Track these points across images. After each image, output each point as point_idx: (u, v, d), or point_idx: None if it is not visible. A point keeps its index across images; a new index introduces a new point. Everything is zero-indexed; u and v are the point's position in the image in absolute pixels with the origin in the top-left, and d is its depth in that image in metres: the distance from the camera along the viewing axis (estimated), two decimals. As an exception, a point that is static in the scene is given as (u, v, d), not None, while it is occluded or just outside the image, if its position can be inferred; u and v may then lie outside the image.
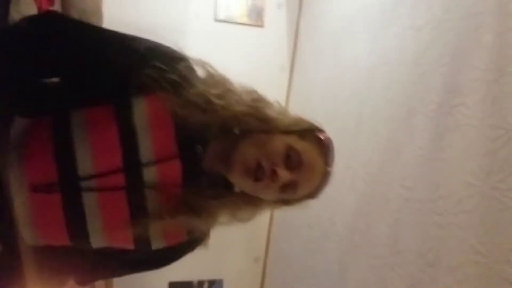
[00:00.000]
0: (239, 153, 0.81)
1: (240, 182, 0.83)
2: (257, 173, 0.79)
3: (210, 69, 0.87)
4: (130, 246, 0.81)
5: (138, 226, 0.77)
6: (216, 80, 0.85)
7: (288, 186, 0.82)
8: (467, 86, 1.39)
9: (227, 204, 0.84)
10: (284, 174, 0.80)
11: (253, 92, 0.88)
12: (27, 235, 0.78)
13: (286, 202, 0.89)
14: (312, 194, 0.87)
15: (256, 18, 3.21)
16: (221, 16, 3.16)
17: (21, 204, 0.76)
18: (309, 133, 0.88)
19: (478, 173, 1.29)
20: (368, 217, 1.85)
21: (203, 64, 0.88)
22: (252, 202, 0.86)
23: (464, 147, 1.36)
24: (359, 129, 2.06)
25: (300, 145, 0.83)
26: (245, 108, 0.83)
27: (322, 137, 0.88)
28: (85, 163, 0.74)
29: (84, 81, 0.77)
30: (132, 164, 0.75)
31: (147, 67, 0.76)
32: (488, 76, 1.31)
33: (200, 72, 0.86)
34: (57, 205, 0.75)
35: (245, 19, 3.19)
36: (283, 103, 3.41)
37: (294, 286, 2.53)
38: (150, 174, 0.76)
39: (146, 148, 0.75)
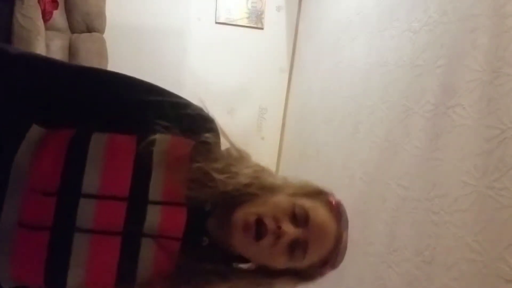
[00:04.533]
0: (240, 213, 0.74)
1: (242, 244, 0.74)
2: (258, 230, 0.71)
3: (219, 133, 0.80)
4: None
5: (124, 277, 0.70)
6: (220, 153, 0.79)
7: (297, 247, 0.73)
8: (463, 87, 1.41)
9: (230, 279, 0.75)
10: (290, 230, 0.72)
11: (255, 164, 0.81)
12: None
13: (300, 274, 0.79)
14: (328, 261, 0.78)
15: (256, 20, 3.23)
16: (222, 18, 3.18)
17: (5, 233, 0.69)
18: (318, 195, 0.80)
19: (473, 173, 1.30)
20: (365, 215, 1.86)
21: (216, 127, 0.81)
22: (261, 282, 0.76)
23: (460, 147, 1.38)
24: (356, 129, 2.07)
25: (307, 203, 0.76)
26: (246, 180, 0.76)
27: (331, 199, 0.80)
28: (91, 180, 0.70)
29: (111, 113, 0.75)
30: (138, 195, 0.71)
31: (188, 114, 0.75)
32: (484, 77, 1.32)
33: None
34: (42, 242, 0.69)
35: (245, 22, 3.21)
36: (282, 104, 3.45)
37: (293, 284, 2.53)
38: (153, 214, 0.71)
39: (157, 186, 0.71)
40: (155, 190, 0.72)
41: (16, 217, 0.70)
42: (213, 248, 0.75)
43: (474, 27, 1.40)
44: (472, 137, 1.33)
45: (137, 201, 0.71)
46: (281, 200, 0.76)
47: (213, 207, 0.75)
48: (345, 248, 0.81)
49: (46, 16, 2.35)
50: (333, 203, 0.80)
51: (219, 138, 0.80)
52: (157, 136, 0.73)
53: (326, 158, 2.36)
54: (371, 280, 1.75)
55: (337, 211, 0.79)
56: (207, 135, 0.76)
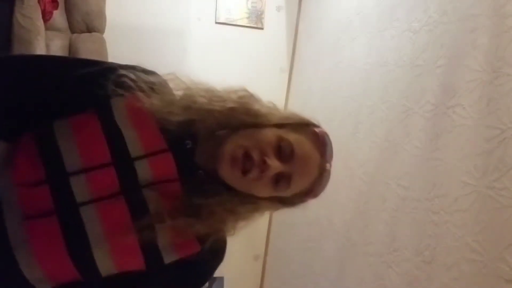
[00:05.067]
0: (227, 144, 0.77)
1: (229, 177, 0.77)
2: (245, 164, 0.74)
3: (185, 78, 0.83)
4: (141, 263, 0.74)
5: (143, 229, 0.72)
6: (195, 83, 0.82)
7: (281, 179, 0.77)
8: (462, 87, 1.41)
9: (225, 203, 0.77)
10: (274, 164, 0.75)
11: (241, 90, 0.85)
12: (30, 273, 0.72)
13: (284, 201, 0.83)
14: (311, 191, 0.82)
15: (256, 20, 3.23)
16: (222, 18, 3.18)
17: (16, 234, 0.71)
18: (303, 126, 0.83)
19: (473, 173, 1.31)
20: (365, 215, 1.86)
21: (177, 75, 0.83)
22: (249, 201, 0.80)
23: (460, 147, 1.38)
24: (357, 129, 2.07)
25: (293, 137, 0.79)
26: (231, 104, 0.80)
27: (317, 130, 0.83)
28: (71, 158, 0.72)
29: (61, 98, 0.76)
30: (122, 158, 0.73)
31: (122, 74, 0.77)
32: (484, 77, 1.32)
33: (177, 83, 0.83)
34: (54, 227, 0.71)
35: (245, 22, 3.21)
36: (282, 104, 3.46)
37: (293, 283, 2.54)
38: (142, 168, 0.74)
39: (133, 143, 0.74)
40: (134, 147, 0.74)
41: (20, 213, 0.71)
42: (209, 176, 0.78)
43: (474, 27, 1.40)
44: (472, 137, 1.33)
45: (122, 162, 0.73)
46: (267, 133, 0.78)
47: (193, 143, 0.78)
48: (328, 178, 0.83)
49: (46, 16, 2.35)
50: (318, 134, 0.82)
51: (167, 85, 0.81)
52: (111, 101, 0.75)
53: (326, 158, 2.35)
54: (371, 280, 1.75)
55: (321, 143, 0.82)
56: (150, 79, 0.79)
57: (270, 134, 0.78)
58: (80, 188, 0.72)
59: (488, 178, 1.25)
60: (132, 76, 0.78)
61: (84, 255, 0.72)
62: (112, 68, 0.78)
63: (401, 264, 1.58)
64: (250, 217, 0.82)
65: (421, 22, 1.70)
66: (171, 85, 0.82)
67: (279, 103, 3.33)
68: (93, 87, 0.75)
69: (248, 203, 0.80)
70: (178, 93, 0.81)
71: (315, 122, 0.87)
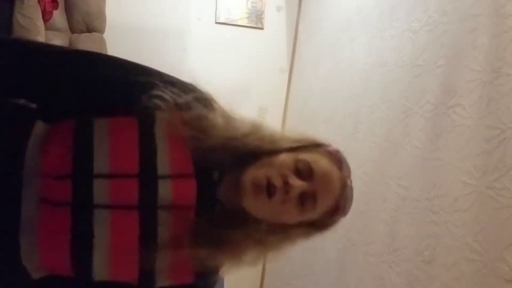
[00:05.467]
0: (249, 174, 0.77)
1: (255, 205, 0.77)
2: (269, 190, 0.74)
3: (214, 100, 0.84)
4: (134, 279, 0.75)
5: (146, 251, 0.73)
6: (219, 108, 0.83)
7: (306, 199, 0.76)
8: (462, 87, 1.41)
9: (252, 233, 0.77)
10: (297, 183, 0.75)
11: (252, 118, 0.84)
12: (28, 260, 0.74)
13: (315, 224, 0.82)
14: (338, 207, 0.81)
15: (256, 20, 3.23)
16: (222, 18, 3.18)
17: (28, 218, 0.72)
18: (316, 147, 0.84)
19: (473, 173, 1.31)
20: (365, 215, 1.86)
21: (209, 95, 0.85)
22: (279, 230, 0.79)
23: (460, 147, 1.38)
24: (356, 129, 2.08)
25: (308, 156, 0.79)
26: (246, 130, 0.80)
27: (329, 149, 0.84)
28: (101, 161, 0.72)
29: (111, 98, 0.77)
30: (148, 172, 0.73)
31: (177, 91, 0.77)
32: (484, 77, 1.33)
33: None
34: (65, 220, 0.72)
35: (245, 22, 3.21)
36: (282, 104, 3.45)
37: (293, 283, 2.54)
38: (165, 188, 0.74)
39: (164, 160, 0.74)
40: (163, 165, 0.74)
41: (37, 198, 0.72)
42: (226, 213, 0.78)
43: (474, 27, 1.40)
44: (472, 137, 1.34)
45: (147, 177, 0.73)
46: (284, 158, 0.79)
47: (221, 175, 0.78)
48: (352, 193, 0.83)
49: (46, 16, 2.35)
50: (332, 152, 0.83)
51: (212, 106, 0.82)
52: (156, 113, 0.75)
53: (326, 158, 2.36)
54: (371, 280, 1.75)
55: (337, 159, 0.82)
56: (196, 94, 0.80)
57: (286, 158, 0.79)
58: (101, 191, 0.72)
59: (488, 178, 1.25)
60: (187, 97, 0.77)
61: (83, 255, 0.72)
62: (171, 83, 0.79)
63: (401, 264, 1.58)
64: (280, 246, 0.81)
65: (421, 22, 1.70)
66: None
67: (279, 103, 3.35)
68: (146, 96, 0.75)
69: (278, 232, 0.79)
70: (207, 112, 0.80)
71: (326, 142, 0.87)
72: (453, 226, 1.36)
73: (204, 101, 0.81)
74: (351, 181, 0.84)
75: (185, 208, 0.76)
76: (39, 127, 0.77)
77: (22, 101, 0.79)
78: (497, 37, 1.30)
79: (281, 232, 0.79)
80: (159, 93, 0.76)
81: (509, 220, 1.17)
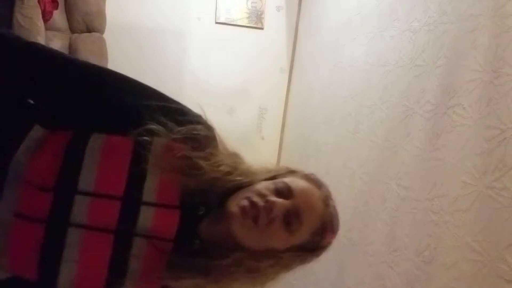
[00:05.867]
0: (231, 203, 0.77)
1: (243, 230, 0.76)
2: (253, 212, 0.74)
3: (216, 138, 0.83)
4: None
5: (113, 278, 0.72)
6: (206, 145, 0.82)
7: (291, 218, 0.76)
8: (462, 87, 1.41)
9: (243, 261, 0.76)
10: (278, 200, 0.75)
11: (232, 152, 0.84)
12: None
13: (304, 247, 0.81)
14: (326, 225, 0.81)
15: (256, 20, 3.23)
16: (222, 18, 3.18)
17: (3, 222, 0.72)
18: (292, 172, 0.85)
19: (473, 173, 1.31)
20: (365, 215, 1.86)
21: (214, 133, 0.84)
22: (268, 255, 0.78)
23: (460, 147, 1.38)
24: (357, 129, 2.08)
25: (286, 179, 0.81)
26: (227, 168, 0.80)
27: (306, 172, 0.85)
28: (88, 177, 0.72)
29: (115, 117, 0.77)
30: (132, 196, 0.73)
31: (185, 120, 0.77)
32: (484, 77, 1.33)
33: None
34: (37, 236, 0.71)
35: (245, 22, 3.21)
36: (282, 104, 3.46)
37: (293, 283, 2.54)
38: (146, 215, 0.73)
39: (151, 187, 0.74)
40: (149, 191, 0.74)
41: (14, 208, 0.72)
42: (204, 250, 0.77)
43: (474, 27, 1.40)
44: (472, 137, 1.34)
45: (131, 201, 0.73)
46: (263, 183, 0.80)
47: (206, 212, 0.77)
48: (336, 211, 0.83)
49: (46, 16, 2.35)
50: (308, 174, 0.84)
51: (216, 142, 0.82)
52: (155, 139, 0.75)
53: (326, 158, 2.36)
54: (371, 280, 1.75)
55: (314, 180, 0.83)
56: (197, 130, 0.78)
57: (265, 183, 0.80)
58: (80, 209, 0.72)
59: (488, 178, 1.25)
60: (192, 129, 0.77)
61: (51, 268, 0.72)
62: (182, 111, 0.79)
63: (401, 264, 1.58)
64: (276, 273, 0.81)
65: (421, 22, 1.70)
66: None
67: (279, 103, 3.36)
68: (149, 119, 0.75)
69: (269, 258, 0.78)
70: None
71: (300, 170, 0.87)
72: (453, 226, 1.36)
73: (207, 138, 0.80)
74: (333, 201, 0.83)
75: (162, 240, 0.75)
76: (36, 131, 0.76)
77: (29, 102, 0.79)
78: (497, 37, 1.30)
79: (273, 258, 0.78)
80: (163, 120, 0.76)
81: (509, 220, 1.17)
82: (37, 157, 0.74)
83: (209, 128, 0.81)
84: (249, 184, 0.80)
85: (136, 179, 0.73)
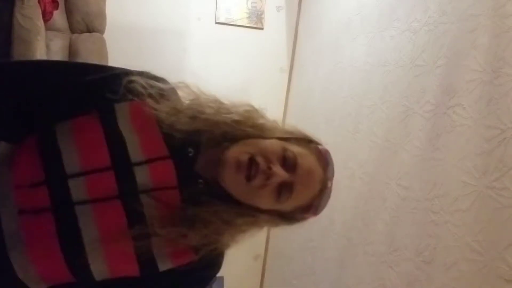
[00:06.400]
0: (231, 150, 0.76)
1: (232, 183, 0.76)
2: (250, 170, 0.74)
3: (194, 87, 0.84)
4: (135, 270, 0.74)
5: (138, 236, 0.72)
6: (204, 93, 0.83)
7: (283, 189, 0.76)
8: (462, 87, 1.41)
9: (221, 214, 0.76)
10: (280, 171, 0.75)
11: (246, 104, 0.84)
12: (24, 274, 0.73)
13: (284, 216, 0.82)
14: (311, 206, 0.81)
15: (256, 20, 3.23)
16: (222, 18, 3.18)
17: (12, 232, 0.72)
18: (307, 142, 0.84)
19: (473, 173, 1.31)
20: (365, 215, 1.86)
21: (187, 84, 0.84)
22: (248, 213, 0.78)
23: (460, 147, 1.38)
24: (356, 129, 2.08)
25: (297, 149, 0.79)
26: (237, 116, 0.80)
27: (320, 148, 0.83)
28: (71, 160, 0.72)
29: (66, 102, 0.77)
30: (121, 162, 0.73)
31: (132, 79, 0.77)
32: (484, 77, 1.33)
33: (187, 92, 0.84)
34: (49, 224, 0.71)
35: (245, 22, 3.21)
36: (282, 104, 3.45)
37: (293, 283, 2.54)
38: (142, 174, 0.74)
39: (135, 149, 0.74)
40: (135, 152, 0.74)
41: (15, 211, 0.72)
42: (209, 187, 0.77)
43: (474, 27, 1.40)
44: (472, 137, 1.34)
45: (122, 167, 0.73)
46: (273, 142, 0.79)
47: (196, 151, 0.78)
48: (329, 196, 0.83)
49: (46, 16, 2.35)
50: (322, 151, 0.83)
51: (176, 92, 0.82)
52: (116, 106, 0.75)
53: (326, 158, 2.36)
54: (371, 280, 1.75)
55: (324, 159, 0.82)
56: (160, 85, 0.79)
57: (275, 144, 0.79)
58: (78, 189, 0.72)
59: (488, 178, 1.25)
60: (141, 82, 0.78)
61: (78, 258, 0.71)
62: (122, 74, 0.78)
63: (401, 264, 1.58)
64: (248, 230, 0.80)
65: (421, 22, 1.70)
66: (180, 93, 0.82)
67: (279, 103, 3.35)
68: (101, 91, 0.75)
69: (247, 215, 0.78)
70: (186, 102, 0.81)
71: (318, 140, 0.86)
72: (453, 226, 1.36)
73: (171, 91, 0.81)
74: (331, 184, 0.83)
75: (167, 189, 0.75)
76: (2, 147, 0.77)
77: None
78: (497, 37, 1.31)
79: (250, 216, 0.78)
80: (135, 81, 0.76)
81: (509, 220, 1.17)
82: (15, 164, 0.74)
83: (163, 79, 0.82)
84: (259, 136, 0.80)
85: (117, 147, 0.73)
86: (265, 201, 0.78)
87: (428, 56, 1.63)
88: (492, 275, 1.20)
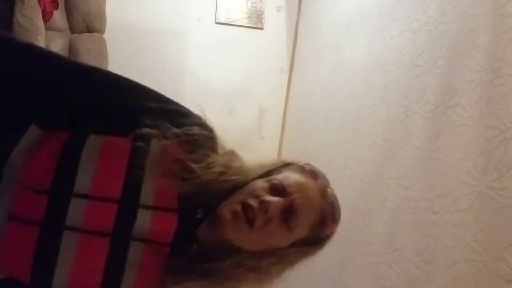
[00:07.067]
0: (223, 208, 0.75)
1: (238, 236, 0.74)
2: (247, 215, 0.72)
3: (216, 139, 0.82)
4: None
5: (108, 283, 0.71)
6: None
7: (288, 214, 0.74)
8: (462, 87, 1.41)
9: (243, 262, 0.75)
10: (273, 199, 0.73)
11: (230, 153, 0.82)
12: None
13: (307, 241, 0.79)
14: (326, 216, 0.79)
15: (256, 20, 3.23)
16: (222, 18, 3.18)
17: None
18: (286, 166, 0.82)
19: (473, 173, 1.31)
20: (365, 215, 1.86)
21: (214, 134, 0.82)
22: (271, 254, 0.76)
23: (460, 147, 1.38)
24: (356, 129, 2.08)
25: (280, 176, 0.78)
26: (221, 168, 0.77)
27: (301, 164, 0.82)
28: (84, 179, 0.71)
29: (108, 115, 0.76)
30: (130, 198, 0.71)
31: (185, 124, 0.76)
32: (484, 77, 1.33)
33: None
34: (32, 239, 0.70)
35: (245, 22, 3.21)
36: (282, 104, 3.45)
37: (293, 283, 2.54)
38: (143, 218, 0.72)
39: (149, 190, 0.72)
40: (147, 194, 0.72)
41: (7, 211, 0.71)
42: (202, 254, 0.75)
43: (474, 27, 1.40)
44: (472, 137, 1.34)
45: (128, 204, 0.71)
46: (256, 183, 0.77)
47: (205, 213, 0.76)
48: (336, 199, 0.81)
49: (46, 16, 2.35)
50: (303, 166, 0.82)
51: (214, 144, 0.80)
52: (152, 142, 0.74)
53: (326, 158, 2.36)
54: (371, 280, 1.75)
55: (309, 171, 0.81)
56: (192, 131, 0.77)
57: (259, 182, 0.78)
58: (76, 211, 0.70)
59: (488, 178, 1.25)
60: (188, 130, 0.76)
61: (45, 271, 0.71)
62: (180, 113, 0.78)
63: (401, 264, 1.58)
64: (279, 270, 0.79)
65: (421, 22, 1.70)
66: None
67: (279, 103, 3.36)
68: (152, 122, 0.74)
69: (270, 256, 0.76)
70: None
71: (295, 160, 0.85)
72: (453, 226, 1.36)
73: (204, 139, 0.79)
74: (331, 190, 0.81)
75: (159, 244, 0.73)
76: (32, 132, 0.75)
77: (26, 101, 0.78)
78: (497, 37, 1.31)
79: (275, 256, 0.77)
80: (161, 122, 0.75)
81: (509, 220, 1.17)
82: (32, 158, 0.72)
83: (207, 128, 0.80)
84: (244, 183, 0.78)
85: (133, 181, 0.72)
86: (279, 237, 0.76)
87: (428, 56, 1.63)
88: (492, 275, 1.19)
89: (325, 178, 0.82)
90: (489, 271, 1.21)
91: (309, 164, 0.83)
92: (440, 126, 1.49)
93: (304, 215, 0.76)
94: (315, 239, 0.81)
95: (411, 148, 1.63)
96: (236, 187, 0.77)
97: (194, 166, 0.75)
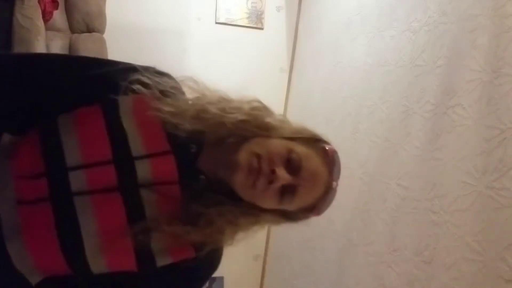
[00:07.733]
0: (241, 152, 0.76)
1: (241, 185, 0.76)
2: (256, 174, 0.74)
3: (200, 83, 0.84)
4: (133, 265, 0.74)
5: (138, 231, 0.71)
6: (210, 91, 0.83)
7: (287, 192, 0.76)
8: (462, 87, 1.41)
9: (226, 214, 0.76)
10: (283, 175, 0.75)
11: (254, 101, 0.84)
12: (21, 265, 0.73)
13: (287, 215, 0.83)
14: (315, 207, 0.81)
15: (256, 20, 3.23)
16: (222, 18, 3.18)
17: (9, 221, 0.72)
18: (314, 142, 0.83)
19: (473, 173, 1.31)
20: (365, 215, 1.86)
21: (193, 80, 0.84)
22: (251, 212, 0.78)
23: (460, 147, 1.38)
24: (356, 129, 2.08)
25: (302, 150, 0.79)
26: (243, 116, 0.79)
27: (327, 147, 0.82)
28: (72, 153, 0.72)
29: (70, 95, 0.77)
30: (122, 156, 0.73)
31: (137, 75, 0.78)
32: (484, 77, 1.33)
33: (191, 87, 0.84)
34: (47, 215, 0.71)
35: (245, 22, 3.21)
36: (282, 104, 3.45)
37: (293, 283, 2.54)
38: (143, 168, 0.73)
39: (136, 143, 0.74)
40: (136, 146, 0.74)
41: (14, 200, 0.72)
42: (211, 183, 0.77)
43: (474, 27, 1.40)
44: (472, 137, 1.34)
45: (123, 160, 0.73)
46: (278, 144, 0.78)
47: (198, 147, 0.78)
48: (333, 197, 0.82)
49: (46, 16, 2.35)
50: (328, 151, 0.81)
51: (181, 90, 0.82)
52: (119, 99, 0.75)
53: (326, 158, 2.36)
54: (371, 280, 1.75)
55: (330, 160, 0.81)
56: (164, 82, 0.80)
57: (280, 145, 0.78)
58: (78, 181, 0.72)
59: (488, 178, 1.25)
60: (146, 78, 0.78)
61: (74, 248, 0.71)
62: (127, 69, 0.79)
63: (401, 264, 1.58)
64: (250, 229, 0.81)
65: (421, 22, 1.70)
66: (184, 89, 0.83)
67: (279, 103, 3.35)
68: (105, 86, 0.75)
69: (250, 215, 0.79)
70: (191, 98, 0.81)
71: (326, 139, 0.86)
72: (453, 226, 1.36)
73: (175, 88, 0.81)
74: (337, 184, 0.82)
75: (168, 183, 0.75)
76: (6, 138, 0.76)
77: None
78: (497, 37, 1.31)
79: (253, 215, 0.79)
80: (139, 77, 0.77)
81: (509, 220, 1.17)
82: (16, 155, 0.74)
83: (165, 74, 0.83)
84: (265, 136, 0.79)
85: (118, 139, 0.73)
86: (268, 202, 0.78)
87: (428, 56, 1.63)
88: (492, 275, 1.20)
89: (338, 171, 0.82)
90: (489, 270, 1.21)
91: (334, 152, 0.82)
92: (440, 126, 1.49)
93: (299, 200, 0.78)
94: (293, 217, 0.83)
95: (411, 148, 1.63)
96: (254, 136, 0.79)
97: (211, 108, 0.77)
